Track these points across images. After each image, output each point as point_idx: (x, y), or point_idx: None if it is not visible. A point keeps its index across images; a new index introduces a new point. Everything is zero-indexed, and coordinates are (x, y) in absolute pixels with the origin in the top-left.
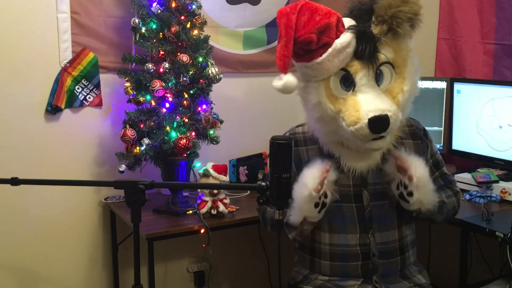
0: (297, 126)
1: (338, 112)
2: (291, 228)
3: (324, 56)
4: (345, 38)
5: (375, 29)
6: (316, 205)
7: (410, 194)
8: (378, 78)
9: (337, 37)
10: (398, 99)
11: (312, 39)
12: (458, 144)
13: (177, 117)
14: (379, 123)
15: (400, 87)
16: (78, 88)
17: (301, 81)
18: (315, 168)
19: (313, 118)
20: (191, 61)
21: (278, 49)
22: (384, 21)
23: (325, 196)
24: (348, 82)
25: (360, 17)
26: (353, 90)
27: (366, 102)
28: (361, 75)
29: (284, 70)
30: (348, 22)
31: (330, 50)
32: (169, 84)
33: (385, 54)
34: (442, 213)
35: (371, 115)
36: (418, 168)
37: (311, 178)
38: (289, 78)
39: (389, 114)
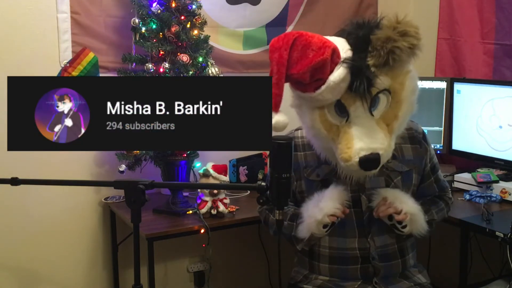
0: (296, 130)
1: (332, 139)
2: (299, 240)
3: (317, 92)
4: (339, 73)
5: (371, 60)
6: (325, 226)
7: (404, 226)
8: (373, 104)
9: (332, 70)
10: (392, 126)
11: (305, 79)
12: (458, 144)
13: None
14: (369, 163)
15: (395, 113)
16: None
17: (296, 98)
18: (336, 198)
19: (309, 135)
20: (191, 61)
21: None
22: (380, 56)
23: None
24: (343, 109)
25: (356, 45)
26: (346, 120)
27: (359, 139)
28: (354, 107)
29: (275, 109)
30: (343, 48)
31: (323, 87)
32: None
33: (380, 85)
34: (431, 231)
35: (362, 154)
36: (407, 203)
37: (331, 208)
38: (279, 118)
39: (380, 152)
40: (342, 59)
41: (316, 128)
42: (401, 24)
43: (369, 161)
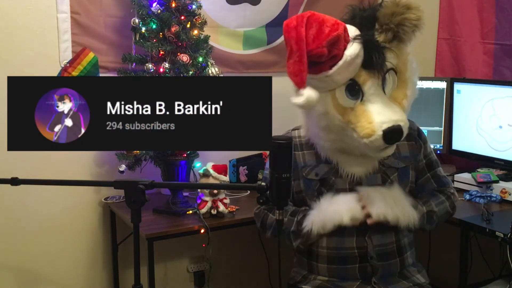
0: (293, 129)
1: (347, 123)
2: (297, 236)
3: (334, 69)
4: (354, 49)
5: (380, 37)
6: (335, 227)
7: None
8: (383, 85)
9: (345, 47)
10: (403, 105)
11: (324, 53)
12: (458, 144)
13: None
14: (393, 134)
15: (404, 92)
16: None
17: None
18: (358, 205)
19: (319, 126)
20: (191, 61)
21: (292, 65)
22: (389, 29)
23: None
24: (354, 91)
25: (363, 25)
26: (361, 100)
27: (378, 113)
28: (369, 84)
29: (303, 85)
30: (351, 29)
31: (340, 63)
32: None
33: (391, 61)
34: (432, 222)
35: (385, 126)
36: (374, 203)
37: (355, 212)
38: (310, 93)
39: (401, 124)
40: (352, 37)
41: (330, 114)
42: (403, 0)
43: (393, 132)
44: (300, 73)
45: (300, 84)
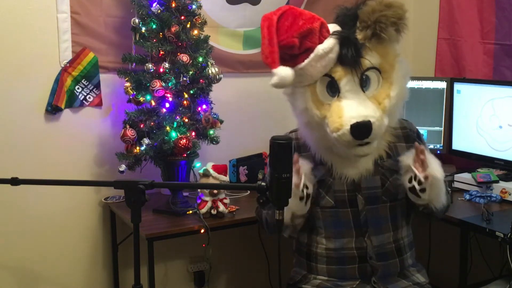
0: (291, 132)
1: (324, 118)
2: (284, 226)
3: (306, 61)
4: (328, 43)
5: (360, 35)
6: (301, 198)
7: (423, 190)
8: (364, 84)
9: (320, 42)
10: (384, 105)
11: (294, 43)
12: (458, 144)
13: (177, 117)
14: (361, 130)
15: (387, 93)
16: (78, 88)
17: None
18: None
19: (302, 123)
20: (191, 61)
21: (263, 49)
22: (367, 26)
23: (306, 187)
24: (334, 88)
25: (345, 23)
26: (337, 96)
27: (349, 109)
28: (345, 81)
29: (275, 65)
30: (333, 28)
31: (312, 55)
32: (169, 84)
33: (370, 59)
34: (443, 213)
35: (353, 121)
36: (435, 167)
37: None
38: (281, 70)
39: (372, 120)
40: (331, 33)
41: (309, 109)
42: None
43: (361, 127)
44: (271, 54)
45: (272, 64)
